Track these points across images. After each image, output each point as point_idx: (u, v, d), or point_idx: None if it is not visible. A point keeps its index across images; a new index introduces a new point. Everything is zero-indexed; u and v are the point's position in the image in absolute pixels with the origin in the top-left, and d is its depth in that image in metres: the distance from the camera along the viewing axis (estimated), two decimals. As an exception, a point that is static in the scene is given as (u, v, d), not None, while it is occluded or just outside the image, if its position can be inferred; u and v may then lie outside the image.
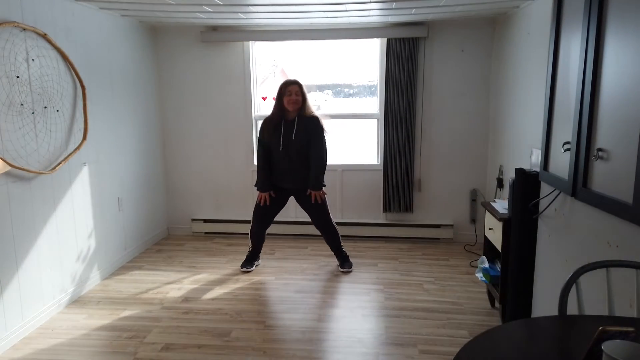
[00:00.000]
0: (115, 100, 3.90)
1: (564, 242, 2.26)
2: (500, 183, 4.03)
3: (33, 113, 2.94)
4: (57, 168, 3.14)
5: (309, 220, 3.89)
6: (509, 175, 3.54)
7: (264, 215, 3.79)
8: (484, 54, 4.32)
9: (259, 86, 4.71)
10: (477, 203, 4.54)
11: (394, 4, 3.42)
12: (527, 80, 3.42)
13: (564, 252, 2.26)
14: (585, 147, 1.91)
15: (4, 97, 2.71)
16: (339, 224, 4.01)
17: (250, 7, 3.55)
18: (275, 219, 3.87)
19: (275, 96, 3.62)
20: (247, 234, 3.94)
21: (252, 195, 4.55)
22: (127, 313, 3.17)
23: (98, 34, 3.65)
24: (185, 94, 4.68)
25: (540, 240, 2.58)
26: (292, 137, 3.55)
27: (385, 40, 4.34)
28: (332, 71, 4.89)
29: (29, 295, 2.95)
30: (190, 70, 4.62)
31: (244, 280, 3.71)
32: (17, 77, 2.80)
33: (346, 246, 4.08)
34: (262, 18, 4.02)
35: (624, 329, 1.06)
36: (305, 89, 3.58)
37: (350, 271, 3.86)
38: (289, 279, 3.73)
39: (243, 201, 4.78)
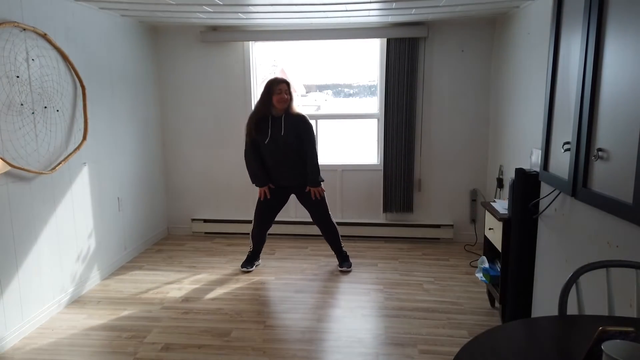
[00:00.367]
0: (115, 100, 3.90)
1: (564, 242, 2.26)
2: (500, 183, 4.03)
3: (33, 113, 2.94)
4: (57, 168, 3.14)
5: (309, 220, 3.91)
6: (509, 175, 3.54)
7: (265, 215, 3.80)
8: (484, 54, 4.32)
9: (258, 86, 4.71)
10: (477, 203, 4.54)
11: (394, 4, 3.42)
12: (527, 80, 3.42)
13: (564, 252, 2.25)
14: (585, 147, 1.91)
15: (4, 97, 2.71)
16: (339, 224, 4.01)
17: (250, 7, 3.55)
18: (276, 219, 3.88)
19: (261, 93, 3.63)
20: (247, 234, 3.94)
21: (252, 195, 4.54)
22: (127, 313, 3.18)
23: (98, 33, 3.65)
24: (185, 94, 4.68)
25: (540, 240, 2.58)
26: (281, 132, 3.59)
27: (385, 40, 4.34)
28: (332, 71, 4.89)
29: (29, 295, 2.95)
30: (190, 70, 4.62)
31: (244, 280, 3.71)
32: (17, 77, 2.80)
33: (346, 246, 4.08)
34: (262, 18, 4.02)
35: (624, 329, 1.06)
36: (292, 88, 3.66)
37: (350, 271, 3.86)
38: (289, 279, 3.73)
39: (243, 201, 4.78)
